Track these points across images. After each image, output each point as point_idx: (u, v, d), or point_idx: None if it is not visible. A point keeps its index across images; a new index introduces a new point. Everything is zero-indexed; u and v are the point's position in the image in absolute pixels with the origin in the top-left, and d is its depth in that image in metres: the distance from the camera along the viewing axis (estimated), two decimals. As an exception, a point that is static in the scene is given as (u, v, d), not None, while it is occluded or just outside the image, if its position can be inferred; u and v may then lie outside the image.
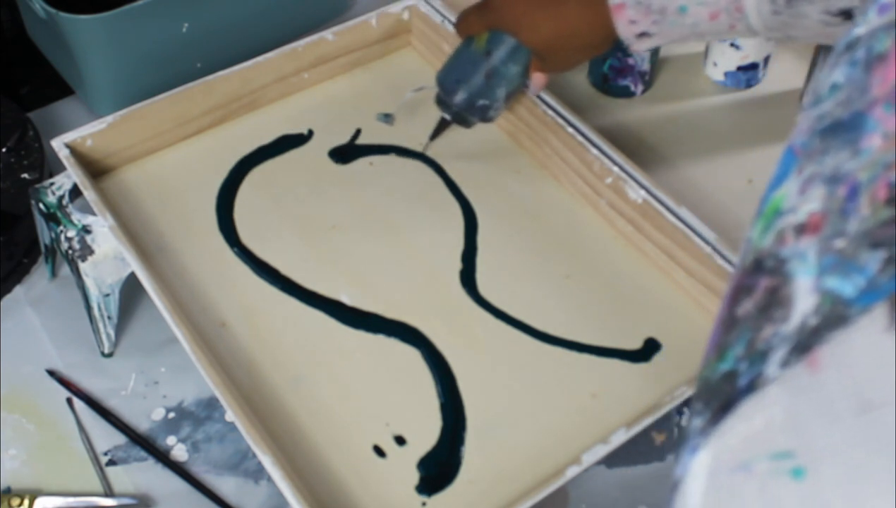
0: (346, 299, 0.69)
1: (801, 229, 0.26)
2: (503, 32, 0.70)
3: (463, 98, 0.72)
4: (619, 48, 0.84)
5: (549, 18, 0.66)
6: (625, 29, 0.62)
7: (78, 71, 0.85)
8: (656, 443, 0.70)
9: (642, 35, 0.62)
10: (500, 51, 0.70)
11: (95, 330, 0.72)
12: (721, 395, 0.25)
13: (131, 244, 0.67)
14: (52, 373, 0.72)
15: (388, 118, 0.80)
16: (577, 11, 0.65)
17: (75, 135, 0.73)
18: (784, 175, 0.28)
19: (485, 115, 0.73)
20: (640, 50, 0.65)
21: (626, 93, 0.87)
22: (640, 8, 0.61)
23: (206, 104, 0.78)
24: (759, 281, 0.26)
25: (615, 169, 0.72)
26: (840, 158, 0.26)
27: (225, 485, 0.67)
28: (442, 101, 0.73)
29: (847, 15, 0.54)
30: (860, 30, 0.28)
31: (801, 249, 0.25)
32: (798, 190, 0.27)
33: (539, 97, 0.77)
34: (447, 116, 0.74)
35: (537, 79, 0.72)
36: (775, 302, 0.25)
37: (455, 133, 0.80)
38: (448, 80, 0.72)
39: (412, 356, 0.66)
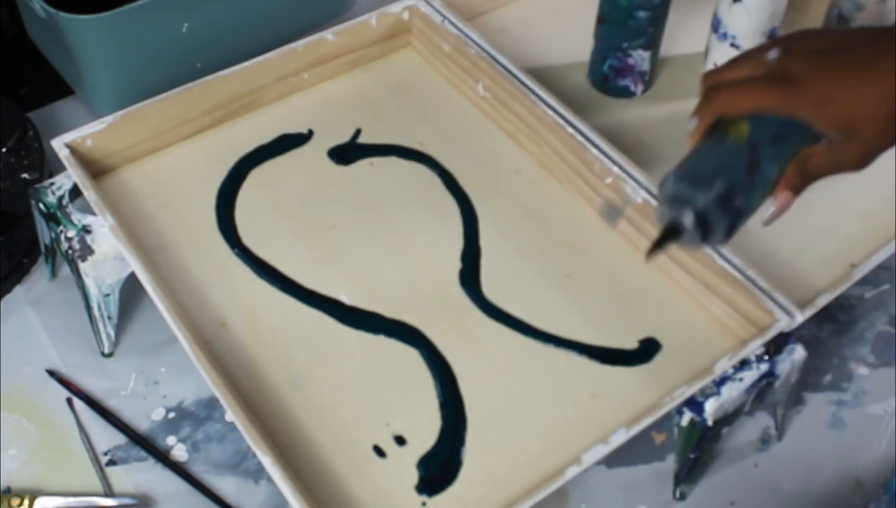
0: (346, 299, 0.69)
1: None
2: (773, 115, 0.54)
3: (719, 191, 0.53)
4: (619, 49, 0.84)
5: (872, 87, 0.52)
6: None
7: (78, 71, 0.85)
8: (656, 443, 0.70)
9: None
10: (769, 140, 0.54)
11: (95, 330, 0.72)
12: None
13: (131, 244, 0.67)
14: (52, 373, 0.72)
15: (613, 214, 0.63)
16: None
17: (75, 135, 0.73)
18: None
19: (735, 223, 0.55)
20: None
21: (626, 93, 0.87)
22: None
23: (206, 104, 0.78)
24: None
25: (615, 169, 0.72)
26: None
27: (225, 485, 0.67)
28: (682, 200, 0.54)
29: None
30: None
31: None
32: None
33: (539, 97, 0.77)
34: (684, 220, 0.54)
35: (785, 198, 0.57)
36: None
37: (452, 130, 0.80)
38: (700, 170, 0.54)
39: (412, 356, 0.66)
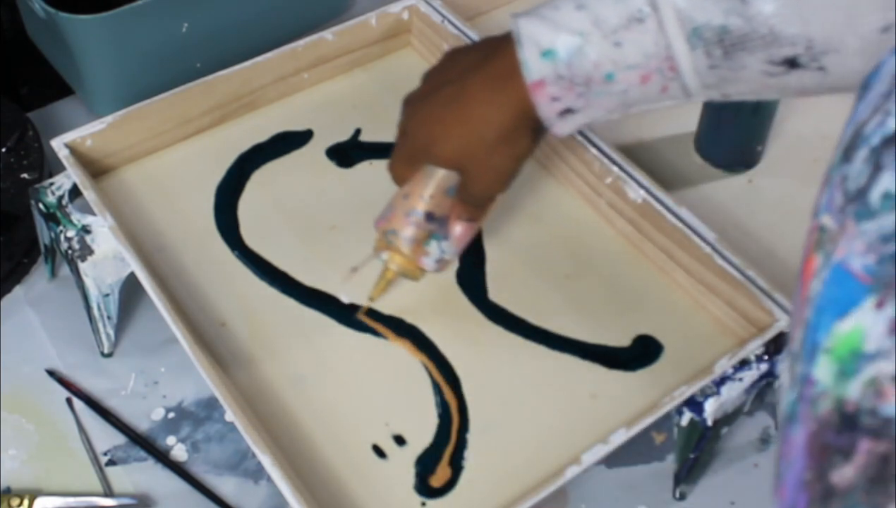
0: (346, 299, 0.69)
1: None
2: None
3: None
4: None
5: (457, 120, 0.57)
6: (546, 108, 0.55)
7: (78, 71, 0.85)
8: (656, 443, 0.70)
9: (565, 112, 0.55)
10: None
11: (95, 330, 0.72)
12: None
13: (131, 244, 0.67)
14: (52, 373, 0.72)
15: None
16: (484, 97, 0.56)
17: (75, 135, 0.73)
18: (850, 304, 0.24)
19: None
20: (562, 133, 0.57)
21: (626, 93, 0.87)
22: (562, 82, 0.53)
23: (206, 104, 0.78)
24: (858, 443, 0.22)
25: (615, 169, 0.72)
26: None
27: (225, 485, 0.67)
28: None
29: (792, 64, 0.48)
30: None
31: None
32: (886, 330, 0.22)
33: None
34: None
35: (459, 230, 0.63)
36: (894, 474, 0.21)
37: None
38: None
39: (411, 356, 0.66)
